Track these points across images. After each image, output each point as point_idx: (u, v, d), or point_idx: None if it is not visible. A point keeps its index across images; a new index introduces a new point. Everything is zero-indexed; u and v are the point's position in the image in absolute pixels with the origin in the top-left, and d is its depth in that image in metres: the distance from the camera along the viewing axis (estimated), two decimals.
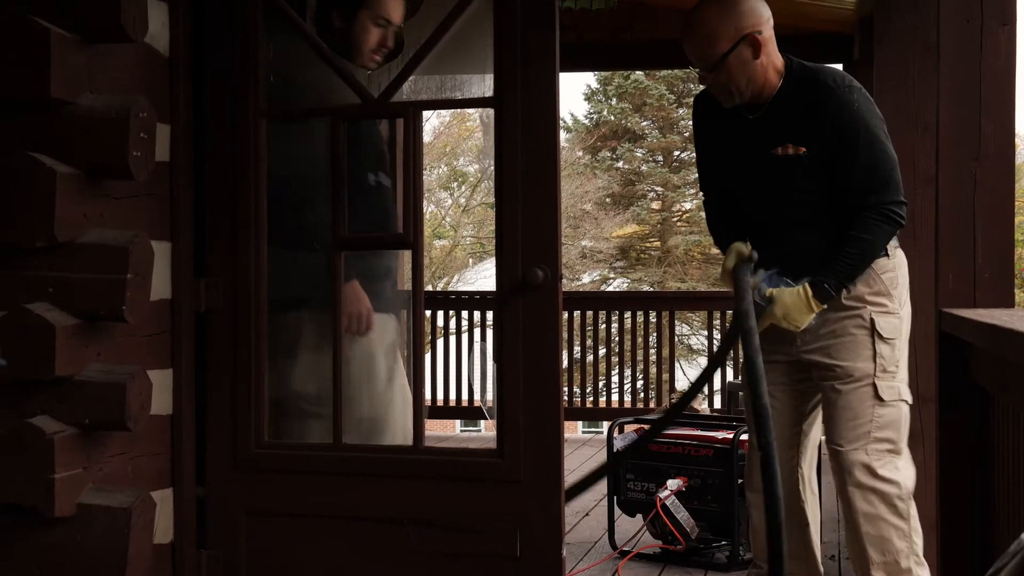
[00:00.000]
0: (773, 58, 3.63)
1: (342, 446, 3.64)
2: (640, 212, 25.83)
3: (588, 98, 26.32)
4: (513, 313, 3.46)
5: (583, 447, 8.01)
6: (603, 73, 23.64)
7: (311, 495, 3.64)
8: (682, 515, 4.84)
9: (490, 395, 8.61)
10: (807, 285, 3.56)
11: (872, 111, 3.59)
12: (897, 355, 3.62)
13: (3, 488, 3.20)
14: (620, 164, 26.23)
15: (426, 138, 24.33)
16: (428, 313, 9.08)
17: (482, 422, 13.93)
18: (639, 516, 5.11)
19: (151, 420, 3.43)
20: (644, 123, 25.60)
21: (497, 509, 3.48)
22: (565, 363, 8.84)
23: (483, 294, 9.81)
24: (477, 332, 9.14)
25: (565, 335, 8.78)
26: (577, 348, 9.83)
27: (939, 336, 3.10)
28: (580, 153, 26.43)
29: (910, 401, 3.66)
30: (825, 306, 3.58)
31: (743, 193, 3.83)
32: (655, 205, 26.36)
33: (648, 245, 26.38)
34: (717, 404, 8.61)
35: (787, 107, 3.63)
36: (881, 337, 3.57)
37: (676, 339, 9.63)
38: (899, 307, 3.63)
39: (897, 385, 3.62)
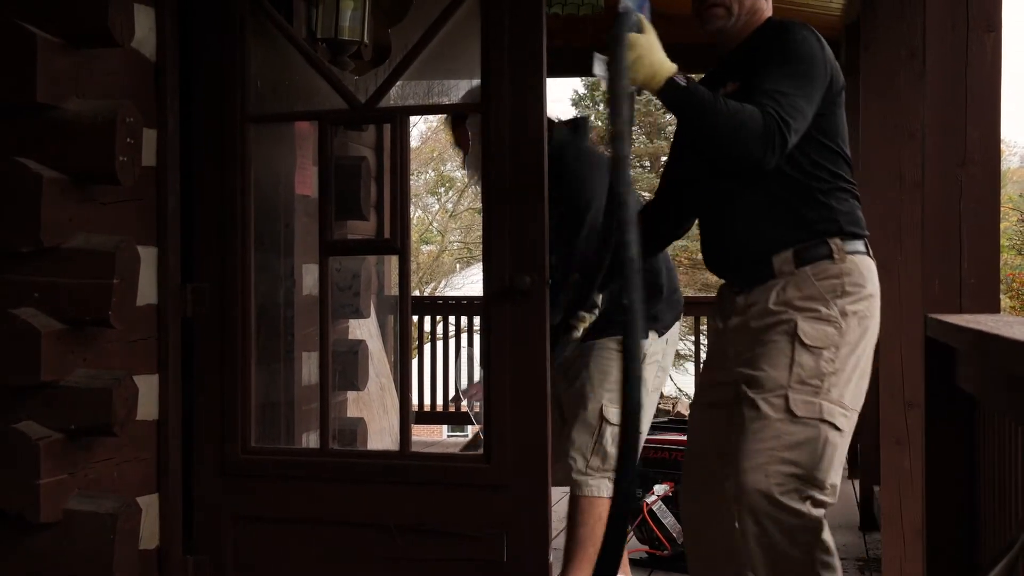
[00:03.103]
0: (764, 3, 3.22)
1: (329, 451, 3.64)
2: None
3: (575, 103, 26.35)
4: (500, 319, 3.46)
5: None
6: (590, 78, 23.68)
7: (298, 500, 3.63)
8: (668, 520, 4.85)
9: (477, 401, 8.61)
10: (672, 70, 2.93)
11: (815, 54, 3.01)
12: (826, 368, 2.95)
13: None
14: None
15: (413, 143, 24.32)
16: (415, 318, 9.08)
17: (469, 427, 13.92)
18: None
19: (137, 426, 3.43)
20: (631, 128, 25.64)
21: (484, 514, 3.48)
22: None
23: (470, 299, 9.80)
24: (464, 337, 9.13)
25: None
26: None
27: (925, 341, 3.11)
28: None
29: (844, 428, 2.96)
30: (664, 85, 2.90)
31: (692, 161, 3.39)
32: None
33: None
34: None
35: (744, 51, 3.21)
36: (803, 344, 2.96)
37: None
38: (840, 316, 2.98)
39: (820, 403, 2.93)
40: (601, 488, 4.01)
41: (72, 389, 3.20)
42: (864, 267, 3.06)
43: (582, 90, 26.06)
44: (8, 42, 3.09)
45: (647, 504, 4.82)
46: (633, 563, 4.97)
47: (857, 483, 5.86)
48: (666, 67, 2.91)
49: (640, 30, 2.90)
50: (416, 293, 18.19)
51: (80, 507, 3.24)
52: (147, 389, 3.52)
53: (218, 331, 3.67)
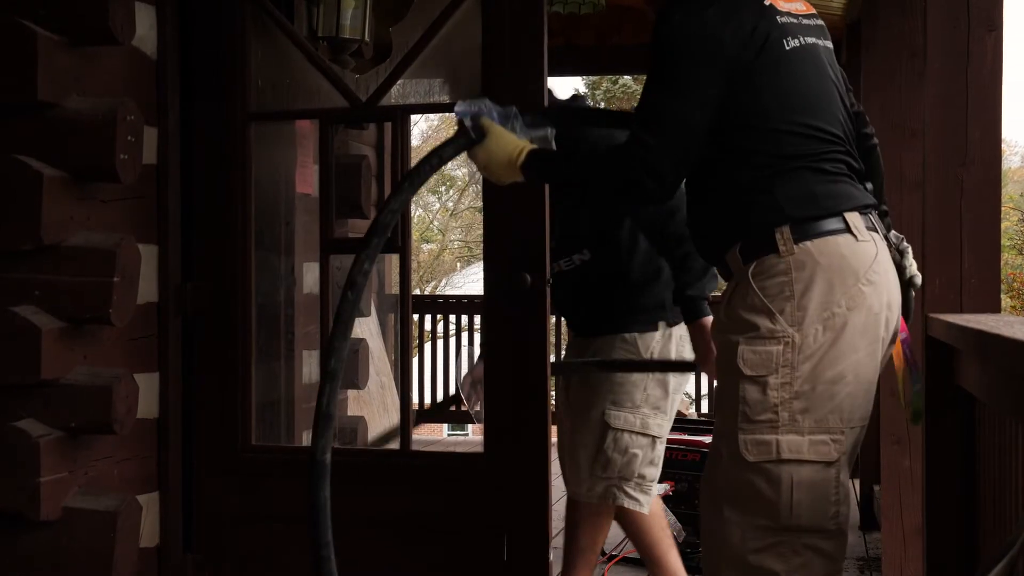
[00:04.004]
0: None
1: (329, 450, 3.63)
2: None
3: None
4: (501, 317, 3.46)
5: None
6: (591, 77, 23.66)
7: (298, 499, 3.61)
8: (669, 519, 4.84)
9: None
10: (527, 148, 2.68)
11: (685, 41, 2.53)
12: (777, 397, 2.43)
13: None
14: None
15: (414, 142, 24.31)
16: (415, 317, 9.08)
17: (469, 426, 13.92)
18: None
19: (137, 424, 3.43)
20: None
21: (484, 513, 3.48)
22: None
23: (471, 298, 9.80)
24: (465, 336, 9.13)
25: (552, 339, 8.78)
26: (564, 352, 9.82)
27: (925, 341, 3.10)
28: None
29: (835, 456, 2.46)
30: (522, 177, 2.69)
31: None
32: None
33: None
34: (704, 408, 8.61)
35: None
36: (744, 375, 2.47)
37: None
38: (790, 327, 2.44)
39: (777, 440, 2.43)
40: (607, 496, 3.81)
41: (72, 387, 3.20)
42: (827, 252, 2.48)
43: (583, 89, 26.04)
44: (9, 40, 3.09)
45: None
46: (633, 562, 4.96)
47: (857, 482, 5.86)
48: (514, 159, 2.66)
49: (480, 135, 2.69)
50: (417, 292, 18.19)
51: (80, 505, 3.24)
52: (147, 387, 3.52)
53: (218, 329, 3.67)
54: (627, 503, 3.76)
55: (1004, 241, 19.18)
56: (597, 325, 3.86)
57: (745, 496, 2.45)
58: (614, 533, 5.29)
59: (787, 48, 2.56)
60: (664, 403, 3.79)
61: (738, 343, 2.48)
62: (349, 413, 5.27)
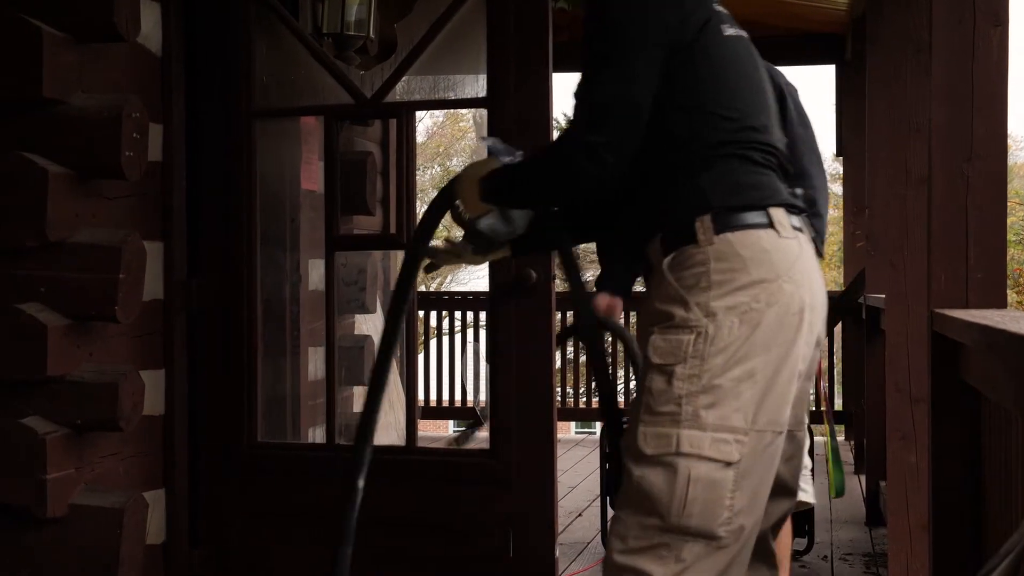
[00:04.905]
0: None
1: (334, 446, 3.64)
2: None
3: None
4: (506, 314, 3.46)
5: (576, 447, 8.01)
6: None
7: (304, 495, 3.63)
8: None
9: (483, 396, 8.62)
10: (490, 170, 2.55)
11: (624, 13, 2.41)
12: (683, 389, 2.28)
13: None
14: None
15: (419, 138, 24.31)
16: (421, 313, 9.08)
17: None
18: None
19: (143, 420, 3.43)
20: None
21: (490, 510, 3.48)
22: (558, 363, 8.85)
23: (476, 295, 9.79)
24: (470, 333, 9.14)
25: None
26: (570, 348, 9.82)
27: (931, 337, 3.10)
28: None
29: (738, 457, 2.26)
30: (492, 206, 2.54)
31: None
32: None
33: None
34: None
35: None
36: (652, 363, 2.34)
37: None
38: (703, 317, 2.31)
39: (678, 434, 2.26)
40: None
41: (78, 384, 3.21)
42: (748, 245, 2.35)
43: None
44: (14, 37, 3.09)
45: None
46: None
47: (863, 479, 5.86)
48: (478, 178, 2.53)
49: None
50: (422, 288, 18.20)
51: (86, 502, 3.24)
52: (153, 384, 3.52)
53: (224, 326, 3.67)
54: (802, 496, 3.34)
55: (1010, 236, 19.10)
56: None
57: (637, 491, 2.28)
58: None
59: (724, 35, 2.47)
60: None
61: (652, 333, 2.35)
62: (355, 410, 5.27)
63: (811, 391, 2.75)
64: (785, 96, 3.31)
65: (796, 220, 2.43)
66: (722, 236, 2.33)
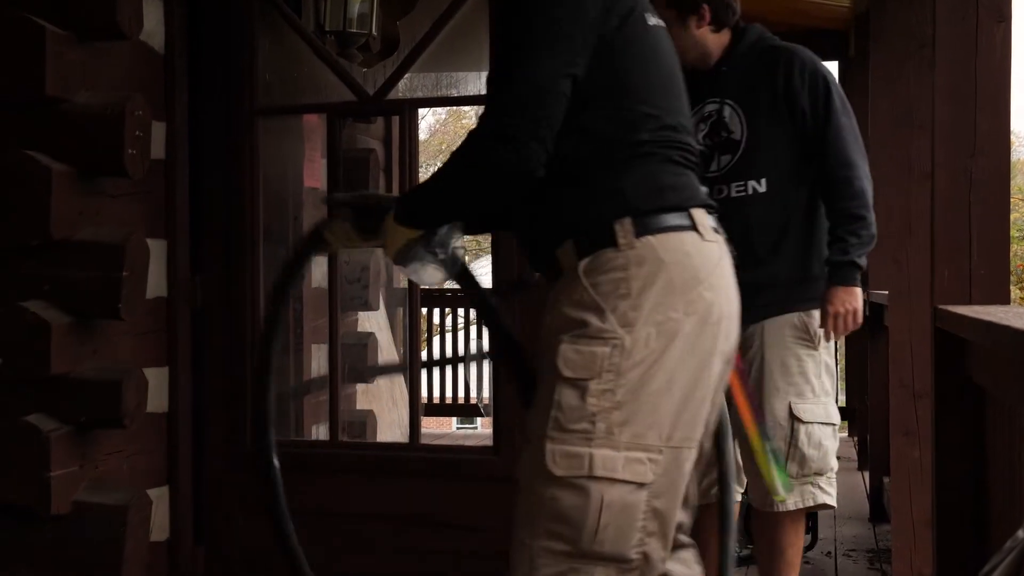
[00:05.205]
0: None
1: (338, 443, 3.64)
2: None
3: None
4: (509, 311, 3.46)
5: None
6: None
7: (308, 491, 3.63)
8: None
9: (486, 392, 8.62)
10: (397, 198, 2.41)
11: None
12: (596, 405, 2.14)
13: None
14: None
15: (422, 136, 24.31)
16: (424, 311, 9.08)
17: (479, 420, 13.93)
18: None
19: (147, 418, 3.43)
20: None
21: (492, 506, 3.48)
22: None
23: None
24: (474, 329, 9.14)
25: None
26: None
27: (935, 333, 3.10)
28: None
29: (650, 478, 2.15)
30: (416, 233, 2.29)
31: None
32: None
33: None
34: None
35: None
36: (562, 377, 2.17)
37: None
38: (620, 327, 2.16)
39: (590, 454, 2.13)
40: (806, 497, 3.39)
41: (82, 382, 3.21)
42: (671, 248, 2.21)
43: None
44: (17, 35, 3.09)
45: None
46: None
47: (867, 475, 5.85)
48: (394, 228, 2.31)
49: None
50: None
51: (90, 499, 3.25)
52: (157, 381, 3.52)
53: (227, 323, 3.68)
54: (824, 499, 3.41)
55: (1013, 232, 19.13)
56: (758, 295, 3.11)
57: (546, 514, 2.14)
58: None
59: (649, 24, 2.32)
60: (832, 387, 3.48)
61: (561, 341, 2.18)
62: (358, 407, 5.28)
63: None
64: (831, 85, 3.26)
65: (714, 221, 2.30)
66: (643, 239, 2.19)
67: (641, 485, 2.14)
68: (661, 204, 2.22)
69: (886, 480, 5.15)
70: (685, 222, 2.22)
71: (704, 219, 2.26)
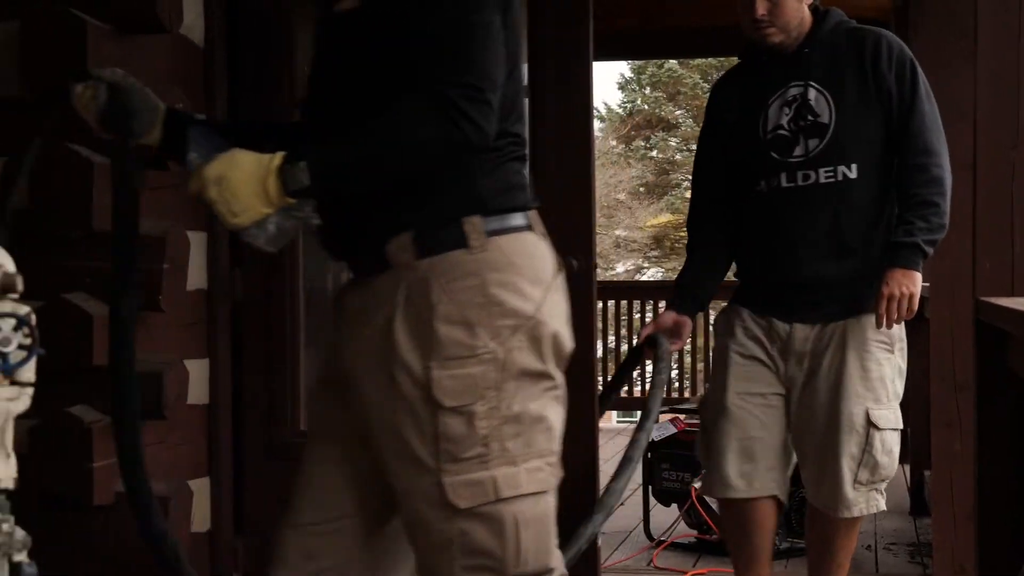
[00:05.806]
0: None
1: None
2: (674, 201, 25.76)
3: (621, 87, 26.25)
4: None
5: (618, 436, 8.01)
6: (636, 62, 23.58)
7: None
8: (716, 504, 4.83)
9: None
10: (279, 157, 2.02)
11: None
12: (486, 427, 2.04)
13: (42, 477, 3.23)
14: (654, 153, 26.16)
15: None
16: None
17: None
18: (674, 506, 5.10)
19: (188, 409, 3.45)
20: (678, 112, 25.52)
21: None
22: (600, 353, 8.83)
23: None
24: None
25: (599, 325, 8.78)
26: (611, 338, 9.81)
27: (976, 324, 3.08)
28: (614, 142, 26.38)
29: (550, 485, 2.14)
30: (292, 201, 2.03)
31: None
32: (689, 194, 26.25)
33: (682, 235, 26.06)
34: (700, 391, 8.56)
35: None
36: (443, 407, 2.03)
37: (710, 328, 9.60)
38: (496, 342, 2.04)
39: (492, 477, 2.04)
40: (871, 504, 3.31)
41: None
42: (519, 251, 2.11)
43: (628, 73, 25.98)
44: (59, 29, 3.11)
45: (695, 489, 4.80)
46: (681, 547, 4.96)
47: (907, 468, 5.82)
48: (269, 192, 2.02)
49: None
50: None
51: None
52: (197, 373, 3.54)
53: (267, 315, 3.69)
54: (883, 504, 3.35)
55: None
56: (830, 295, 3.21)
57: (459, 551, 2.04)
58: (662, 518, 5.29)
59: (519, 13, 2.19)
60: (902, 390, 3.33)
61: (430, 368, 2.01)
62: None
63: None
64: (917, 70, 3.20)
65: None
66: (493, 241, 2.07)
67: (546, 491, 2.11)
68: (509, 204, 2.12)
69: (927, 473, 5.12)
70: (525, 222, 2.14)
71: (537, 219, 2.18)
